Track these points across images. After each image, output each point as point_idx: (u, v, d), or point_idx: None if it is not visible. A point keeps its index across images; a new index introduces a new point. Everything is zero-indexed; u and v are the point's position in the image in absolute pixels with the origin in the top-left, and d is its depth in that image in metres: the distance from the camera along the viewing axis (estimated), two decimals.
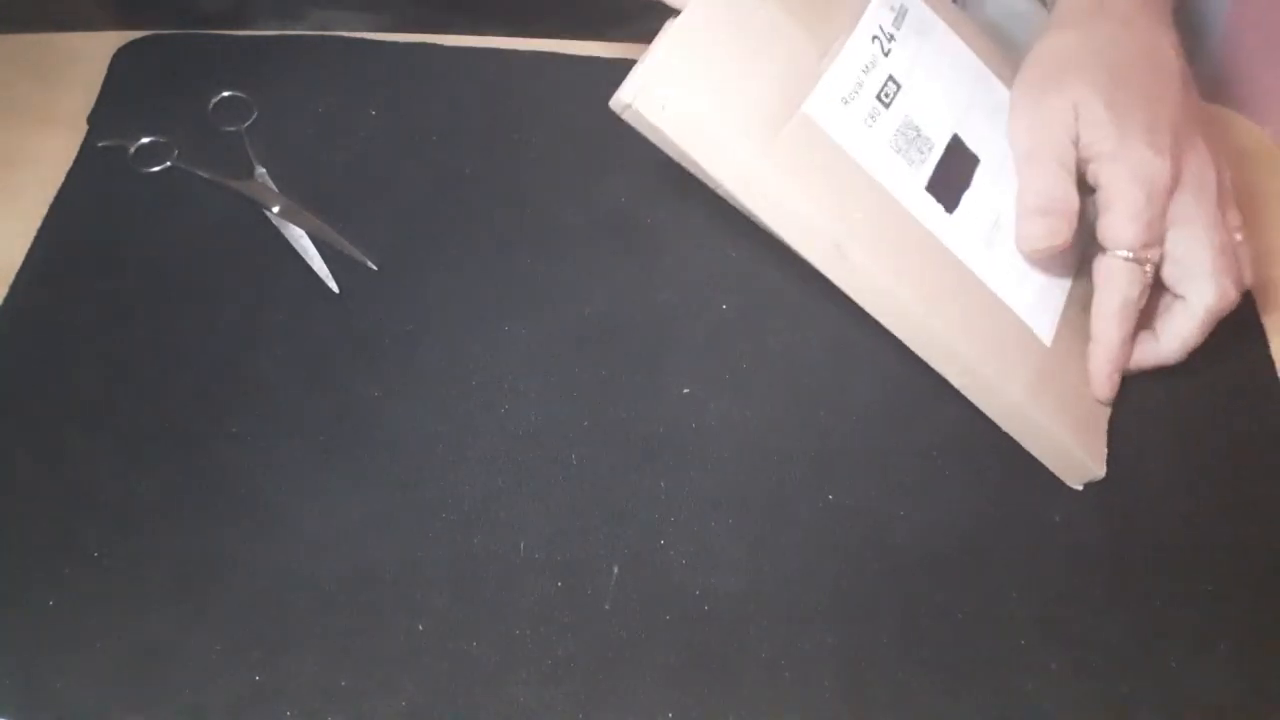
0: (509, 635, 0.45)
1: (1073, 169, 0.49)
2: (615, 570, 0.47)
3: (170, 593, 0.45)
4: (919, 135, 0.49)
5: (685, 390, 0.52)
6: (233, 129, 0.60)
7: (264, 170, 0.58)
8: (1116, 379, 0.51)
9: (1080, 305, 0.52)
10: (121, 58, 0.63)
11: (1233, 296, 0.50)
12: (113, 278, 0.54)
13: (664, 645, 0.45)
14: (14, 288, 0.54)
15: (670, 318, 0.55)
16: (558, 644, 0.45)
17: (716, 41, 0.45)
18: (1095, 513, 0.50)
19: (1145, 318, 0.51)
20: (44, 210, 0.56)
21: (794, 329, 0.55)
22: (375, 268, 0.55)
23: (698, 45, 0.44)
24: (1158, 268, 0.49)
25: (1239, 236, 0.51)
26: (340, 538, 0.47)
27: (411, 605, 0.46)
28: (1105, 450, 0.51)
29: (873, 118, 0.48)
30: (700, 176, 0.46)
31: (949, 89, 0.51)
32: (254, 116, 0.60)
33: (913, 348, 0.48)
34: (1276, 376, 0.55)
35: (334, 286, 0.55)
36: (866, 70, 0.48)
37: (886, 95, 0.48)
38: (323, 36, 0.64)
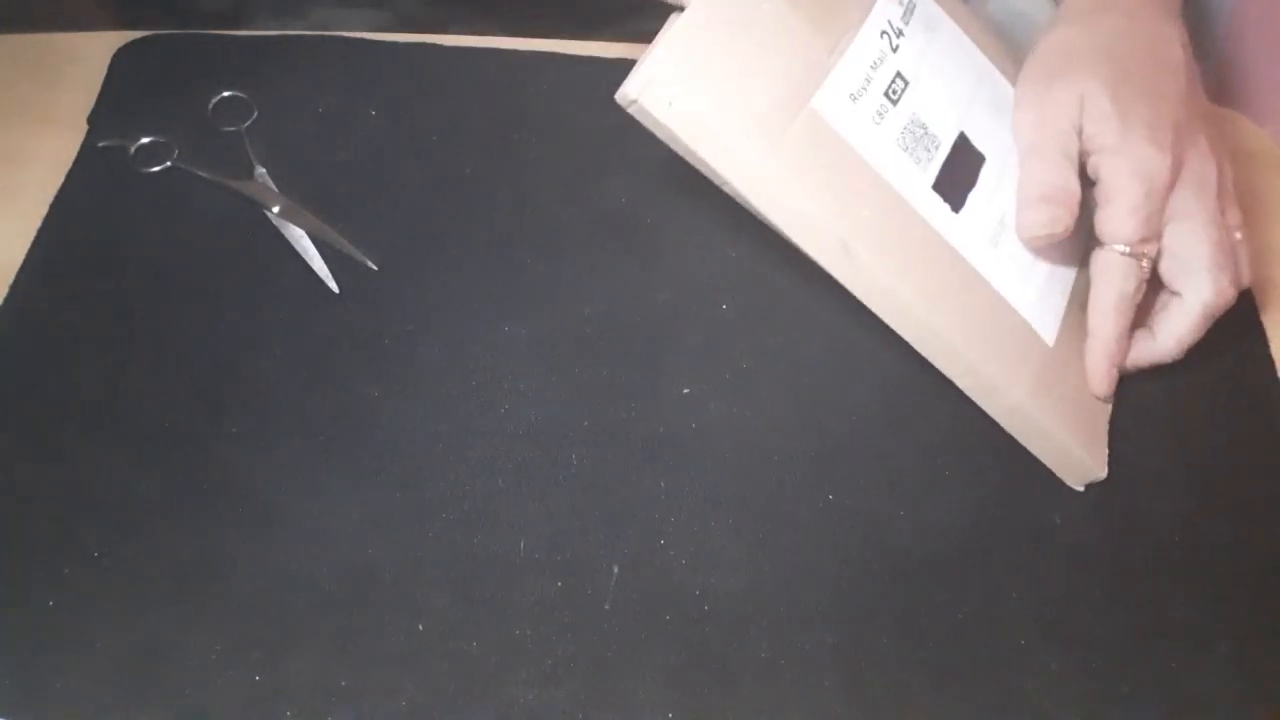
0: (509, 635, 0.45)
1: (1076, 160, 0.49)
2: (615, 570, 0.47)
3: (170, 593, 0.45)
4: (926, 133, 0.49)
5: (685, 390, 0.52)
6: (233, 129, 0.60)
7: (264, 170, 0.58)
8: (1114, 375, 0.51)
9: (1083, 306, 0.51)
10: (121, 58, 0.63)
11: (1230, 294, 0.50)
12: (113, 278, 0.54)
13: (664, 645, 0.45)
14: (14, 288, 0.54)
15: (670, 318, 0.55)
16: (558, 644, 0.45)
17: (722, 37, 0.44)
18: (1095, 513, 0.50)
19: (1144, 316, 0.51)
20: (44, 210, 0.56)
21: (794, 329, 0.55)
22: (375, 268, 0.55)
23: (703, 41, 0.44)
24: (1156, 263, 0.49)
25: (1239, 235, 0.51)
26: (340, 538, 0.47)
27: (411, 605, 0.46)
28: (1106, 451, 0.51)
29: (880, 115, 0.47)
30: (706, 173, 0.45)
31: (955, 86, 0.51)
32: (254, 116, 0.60)
33: (916, 346, 0.48)
34: (1277, 377, 0.55)
35: (334, 286, 0.55)
36: (875, 66, 0.48)
37: (894, 92, 0.48)
38: (323, 36, 0.64)
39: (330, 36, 0.64)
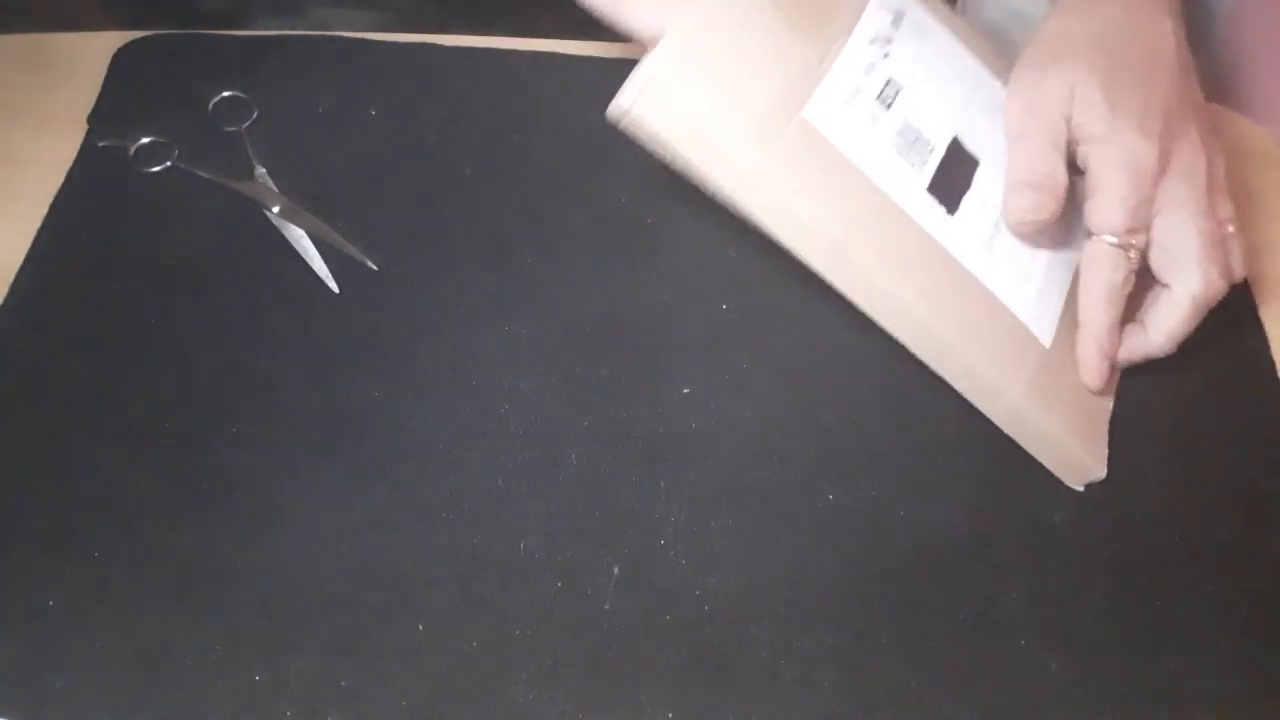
0: (509, 635, 0.45)
1: (1063, 148, 0.49)
2: (615, 570, 0.47)
3: (170, 593, 0.45)
4: (919, 138, 0.49)
5: (685, 390, 0.52)
6: (233, 129, 0.60)
7: (264, 170, 0.58)
8: (1106, 367, 0.50)
9: None
10: (121, 58, 0.63)
11: (1219, 286, 0.49)
12: (113, 278, 0.55)
13: (664, 645, 0.45)
14: (14, 288, 0.54)
15: (670, 318, 0.55)
16: (558, 644, 0.45)
17: (714, 46, 0.45)
18: (1095, 513, 0.50)
19: (1136, 310, 0.51)
20: (44, 210, 0.56)
21: (794, 329, 0.55)
22: (375, 268, 0.55)
23: (695, 51, 0.44)
24: (1145, 255, 0.49)
25: (1230, 228, 0.50)
26: (340, 538, 0.47)
27: (411, 605, 0.46)
28: (1106, 451, 0.51)
29: (874, 120, 0.48)
30: (699, 183, 0.46)
31: (948, 91, 0.51)
32: (254, 116, 0.60)
33: (913, 350, 0.48)
34: (1276, 376, 0.55)
35: (334, 286, 0.55)
36: (867, 73, 0.48)
37: (887, 98, 0.48)
38: (323, 36, 0.64)
39: (330, 36, 0.64)
